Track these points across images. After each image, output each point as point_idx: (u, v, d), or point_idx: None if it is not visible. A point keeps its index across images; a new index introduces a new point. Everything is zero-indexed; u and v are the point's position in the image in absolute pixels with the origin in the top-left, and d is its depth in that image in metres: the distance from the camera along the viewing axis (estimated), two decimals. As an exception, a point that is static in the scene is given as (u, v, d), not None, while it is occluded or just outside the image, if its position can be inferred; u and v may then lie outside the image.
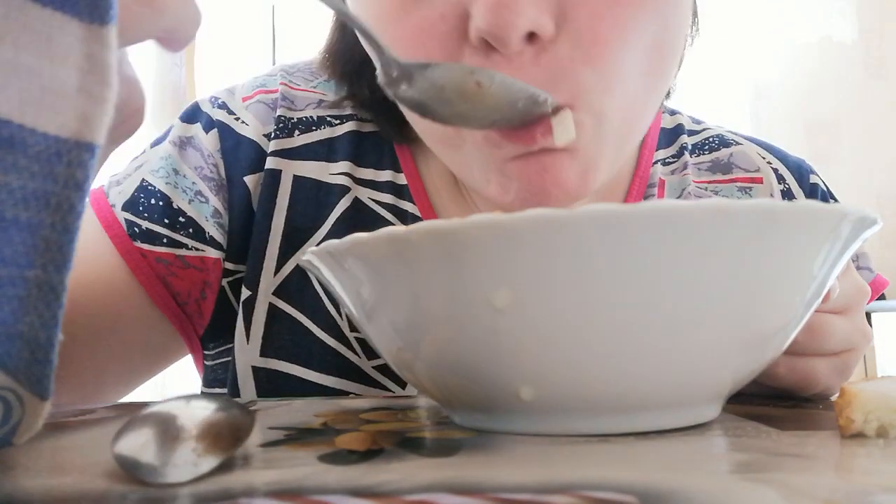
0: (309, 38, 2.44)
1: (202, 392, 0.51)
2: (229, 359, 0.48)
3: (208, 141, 0.47)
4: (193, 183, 0.46)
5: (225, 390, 0.49)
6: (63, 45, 0.20)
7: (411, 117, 0.40)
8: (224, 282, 0.47)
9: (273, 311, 0.46)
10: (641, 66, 0.35)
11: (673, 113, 0.57)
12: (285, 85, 0.50)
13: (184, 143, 0.47)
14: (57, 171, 0.20)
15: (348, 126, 0.49)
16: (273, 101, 0.49)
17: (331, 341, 0.46)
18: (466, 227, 0.21)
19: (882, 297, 0.58)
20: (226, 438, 0.19)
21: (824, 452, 0.21)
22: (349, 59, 0.47)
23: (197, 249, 0.45)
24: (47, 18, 0.19)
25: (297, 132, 0.48)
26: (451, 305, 0.22)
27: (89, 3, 0.20)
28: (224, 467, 0.19)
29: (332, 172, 0.48)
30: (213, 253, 0.46)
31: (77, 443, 0.24)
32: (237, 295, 0.47)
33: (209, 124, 0.48)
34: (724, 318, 0.22)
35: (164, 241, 0.44)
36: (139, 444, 0.17)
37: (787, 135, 2.63)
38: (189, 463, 0.17)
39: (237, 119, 0.48)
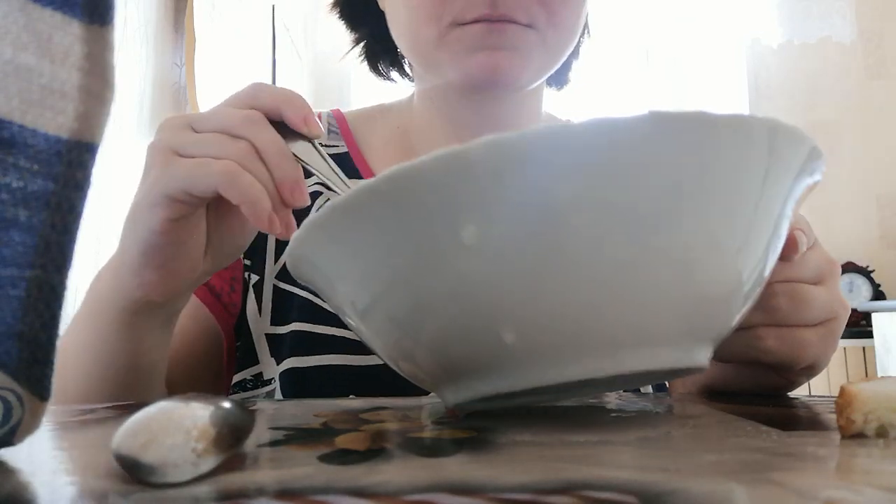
0: (309, 38, 2.44)
1: (227, 383, 0.59)
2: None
3: None
4: None
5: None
6: (63, 45, 0.20)
7: (408, 26, 0.54)
8: (245, 274, 0.59)
9: (277, 290, 0.57)
10: (572, 18, 0.53)
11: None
12: None
13: None
14: (57, 171, 0.20)
15: None
16: None
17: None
18: (423, 164, 0.21)
19: (882, 297, 0.60)
20: (226, 438, 0.19)
21: (824, 452, 0.21)
22: (355, 5, 0.64)
23: None
24: (47, 18, 0.19)
25: None
26: (424, 251, 0.22)
27: (90, 4, 0.20)
28: (224, 467, 0.19)
29: (308, 185, 0.59)
30: None
31: (77, 443, 0.24)
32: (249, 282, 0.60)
33: None
34: (682, 234, 0.22)
35: None
36: (139, 444, 0.17)
37: (787, 135, 2.62)
38: (189, 463, 0.17)
39: None
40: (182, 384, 0.55)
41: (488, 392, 0.25)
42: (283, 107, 0.37)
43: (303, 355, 0.53)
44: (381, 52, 0.66)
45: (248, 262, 0.58)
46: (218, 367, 0.58)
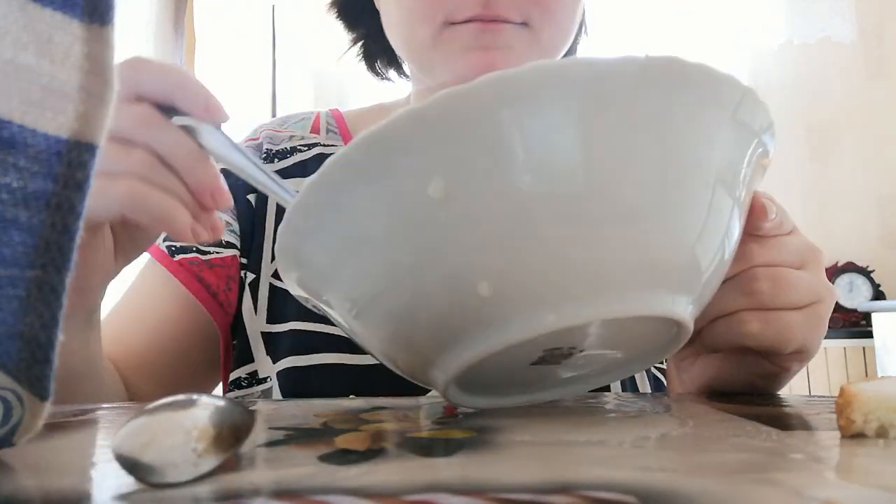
0: (309, 38, 2.45)
1: (224, 381, 0.60)
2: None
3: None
4: None
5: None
6: (63, 45, 0.20)
7: (401, 25, 0.54)
8: (242, 273, 0.59)
9: (273, 289, 0.57)
10: (566, 16, 0.53)
11: None
12: (265, 130, 0.65)
13: None
14: (57, 171, 0.20)
15: (315, 151, 0.63)
16: (257, 145, 0.64)
17: None
18: (389, 124, 0.21)
19: (882, 297, 0.60)
20: (226, 438, 0.19)
21: (824, 452, 0.21)
22: (353, 5, 0.64)
23: (217, 253, 0.58)
24: (47, 18, 0.19)
25: (276, 160, 0.62)
26: (396, 214, 0.23)
27: (89, 4, 0.20)
28: (224, 467, 0.19)
29: (305, 155, 0.62)
30: (228, 253, 0.58)
31: (77, 443, 0.25)
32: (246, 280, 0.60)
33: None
34: (648, 176, 0.23)
35: (194, 250, 0.58)
36: (139, 444, 0.17)
37: (787, 135, 2.62)
38: (189, 463, 0.17)
39: None
40: (175, 380, 0.55)
41: (473, 357, 0.25)
42: (176, 93, 0.32)
43: (302, 354, 0.53)
44: (379, 52, 0.67)
45: (244, 261, 0.59)
46: (212, 363, 0.58)
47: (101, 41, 0.20)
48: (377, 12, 0.59)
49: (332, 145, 0.64)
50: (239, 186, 0.60)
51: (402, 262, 0.23)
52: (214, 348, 0.58)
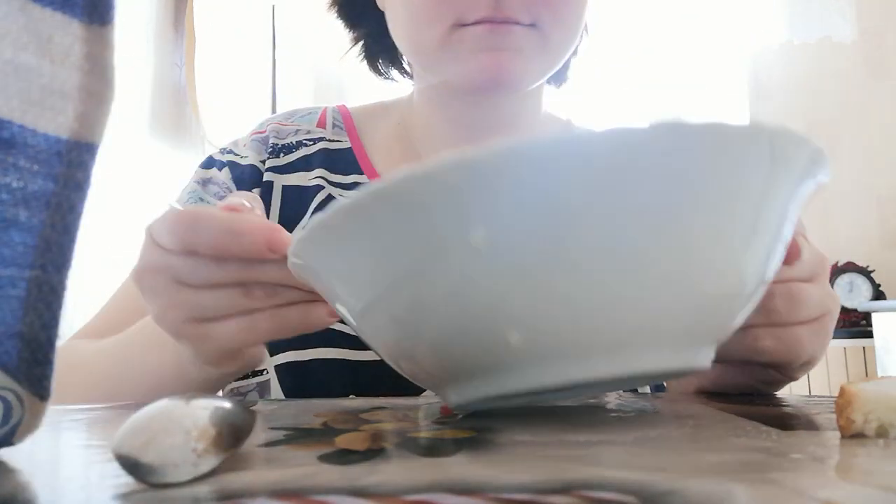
0: (309, 38, 2.44)
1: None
2: None
3: (223, 175, 0.61)
4: (215, 204, 0.53)
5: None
6: (63, 46, 0.20)
7: (408, 27, 0.53)
8: None
9: None
10: (574, 18, 0.53)
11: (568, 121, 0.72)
12: (272, 124, 0.65)
13: (205, 182, 0.60)
14: (57, 171, 0.20)
15: (320, 146, 0.63)
16: (263, 138, 0.64)
17: None
18: (433, 168, 0.21)
19: (882, 297, 0.60)
20: (226, 438, 0.19)
21: (824, 452, 0.21)
22: (354, 5, 0.64)
23: None
24: (48, 18, 0.19)
25: (282, 154, 0.62)
26: (431, 253, 0.22)
27: (90, 4, 0.20)
28: (224, 467, 0.19)
29: (309, 178, 0.61)
30: None
31: (77, 443, 0.24)
32: None
33: (221, 165, 0.62)
34: (693, 240, 0.22)
35: None
36: (139, 444, 0.17)
37: (787, 135, 2.62)
38: (189, 463, 0.17)
39: (240, 156, 0.63)
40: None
41: (491, 393, 0.25)
42: (233, 245, 0.32)
43: (301, 348, 0.52)
44: (380, 52, 0.66)
45: None
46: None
47: (101, 41, 0.20)
48: (378, 11, 0.59)
49: (338, 140, 0.63)
50: (244, 180, 0.60)
51: (429, 301, 0.23)
52: None
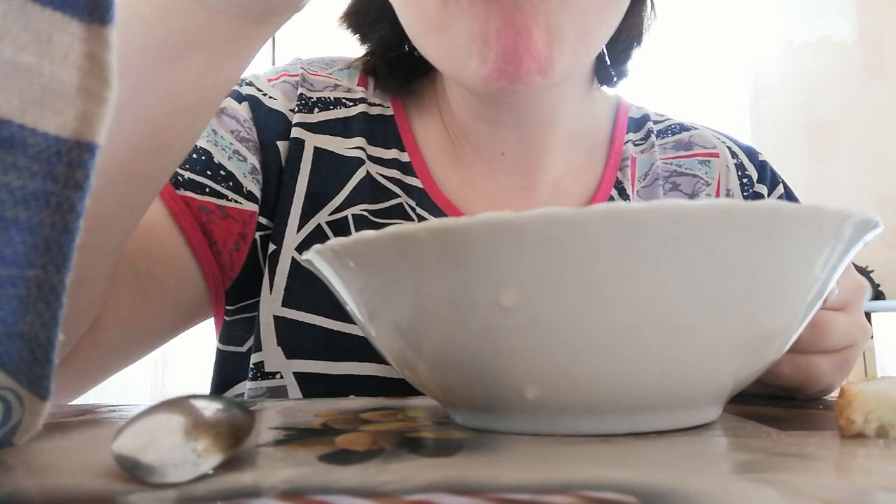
0: (309, 38, 2.44)
1: (217, 350, 0.54)
2: (248, 315, 0.52)
3: (242, 109, 0.52)
4: (231, 143, 0.50)
5: (239, 348, 0.52)
6: (63, 45, 0.20)
7: (402, 13, 0.46)
8: (257, 235, 0.50)
9: (295, 265, 0.49)
10: None
11: (639, 107, 0.66)
12: (304, 70, 0.57)
13: (219, 113, 0.51)
14: (57, 171, 0.20)
15: (360, 108, 0.55)
16: (296, 82, 0.55)
17: None
18: (474, 225, 0.21)
19: (882, 297, 0.59)
20: (226, 438, 0.19)
21: (824, 452, 0.21)
22: (366, 14, 0.55)
23: (236, 202, 0.49)
24: (47, 18, 0.19)
25: (316, 109, 0.54)
26: (457, 304, 0.22)
27: (89, 3, 0.20)
28: (224, 467, 0.19)
29: (347, 147, 0.54)
30: (249, 206, 0.49)
31: (77, 443, 0.24)
32: (265, 251, 0.51)
33: (239, 97, 0.53)
34: (729, 319, 0.22)
35: (207, 190, 0.48)
36: (139, 444, 0.17)
37: (787, 135, 2.63)
38: (189, 463, 0.17)
39: (265, 95, 0.54)
40: (131, 303, 0.44)
41: (499, 429, 0.25)
42: None
43: (332, 360, 0.47)
44: (395, 61, 0.56)
45: (263, 221, 0.50)
46: (178, 322, 0.49)
47: (101, 41, 0.20)
48: (389, 22, 0.52)
49: (380, 105, 0.56)
50: (268, 127, 0.52)
51: (449, 349, 0.23)
52: (193, 313, 0.50)
